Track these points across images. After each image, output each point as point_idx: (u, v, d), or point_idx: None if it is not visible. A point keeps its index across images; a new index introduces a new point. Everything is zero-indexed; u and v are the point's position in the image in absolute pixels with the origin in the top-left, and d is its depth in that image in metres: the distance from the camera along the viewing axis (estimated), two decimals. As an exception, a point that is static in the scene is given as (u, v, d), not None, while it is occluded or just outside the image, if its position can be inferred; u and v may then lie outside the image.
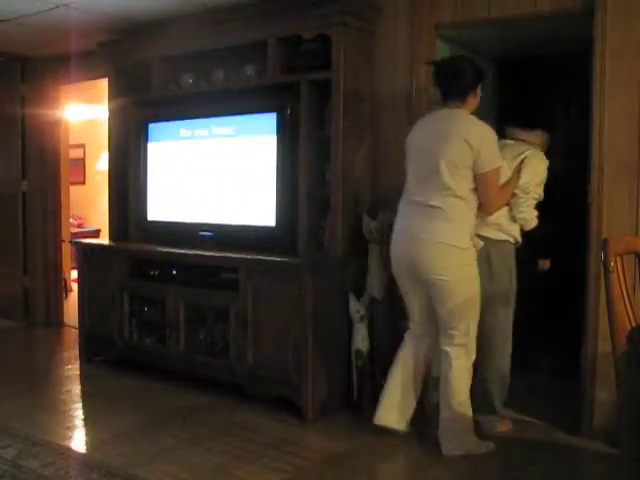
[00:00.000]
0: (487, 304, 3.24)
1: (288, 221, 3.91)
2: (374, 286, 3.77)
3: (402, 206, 3.23)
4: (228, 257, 3.96)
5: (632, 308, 2.36)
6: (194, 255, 4.14)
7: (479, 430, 3.31)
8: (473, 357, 3.17)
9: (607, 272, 2.31)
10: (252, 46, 4.01)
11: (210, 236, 4.26)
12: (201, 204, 4.35)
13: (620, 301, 2.31)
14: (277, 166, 3.93)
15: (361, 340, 3.73)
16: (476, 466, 3.13)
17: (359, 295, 3.76)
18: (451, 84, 3.13)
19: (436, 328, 3.21)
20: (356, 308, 3.71)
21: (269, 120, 3.96)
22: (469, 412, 3.18)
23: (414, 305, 3.27)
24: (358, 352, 3.73)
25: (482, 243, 3.17)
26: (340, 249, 3.75)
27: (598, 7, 3.20)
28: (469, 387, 3.19)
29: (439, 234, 3.02)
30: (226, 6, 4.05)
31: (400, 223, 3.20)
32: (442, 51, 3.90)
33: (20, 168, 5.93)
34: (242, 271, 3.83)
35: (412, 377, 3.31)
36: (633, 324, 2.32)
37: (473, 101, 3.16)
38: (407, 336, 3.34)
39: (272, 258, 3.79)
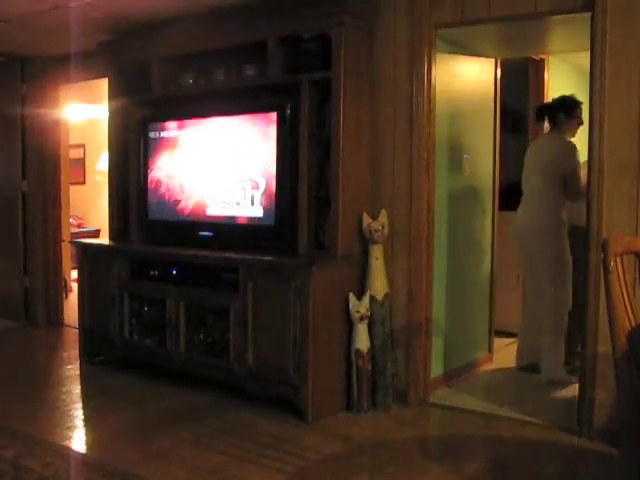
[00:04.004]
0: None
1: (288, 221, 3.91)
2: (374, 286, 3.78)
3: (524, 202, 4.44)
4: (228, 257, 3.96)
5: (632, 308, 2.36)
6: (194, 255, 4.14)
7: None
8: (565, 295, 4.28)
9: (607, 272, 2.31)
10: (252, 46, 4.01)
11: (210, 236, 4.26)
12: (201, 204, 4.35)
13: (620, 301, 2.31)
14: (277, 166, 3.93)
15: (361, 340, 3.73)
16: (476, 466, 3.13)
17: (359, 295, 3.76)
18: (551, 119, 4.38)
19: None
20: (356, 308, 3.71)
21: (269, 120, 3.96)
22: (562, 343, 4.25)
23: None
24: (358, 352, 3.73)
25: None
26: (340, 249, 3.75)
27: (598, 7, 3.20)
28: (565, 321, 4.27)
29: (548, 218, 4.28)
30: (226, 6, 4.05)
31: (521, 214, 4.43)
32: (442, 51, 3.90)
33: (20, 168, 5.92)
34: (242, 271, 3.83)
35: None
36: (633, 324, 2.32)
37: (566, 127, 4.29)
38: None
39: (272, 258, 3.78)
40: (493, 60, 4.62)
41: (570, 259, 4.26)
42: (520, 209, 4.41)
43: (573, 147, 4.24)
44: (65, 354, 5.11)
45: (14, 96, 5.87)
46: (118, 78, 4.77)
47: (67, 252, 6.36)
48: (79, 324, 4.83)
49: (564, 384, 4.17)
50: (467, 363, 4.48)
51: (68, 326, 5.88)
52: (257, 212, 4.05)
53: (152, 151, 4.61)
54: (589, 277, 3.33)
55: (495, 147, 4.67)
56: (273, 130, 3.94)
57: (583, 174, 3.93)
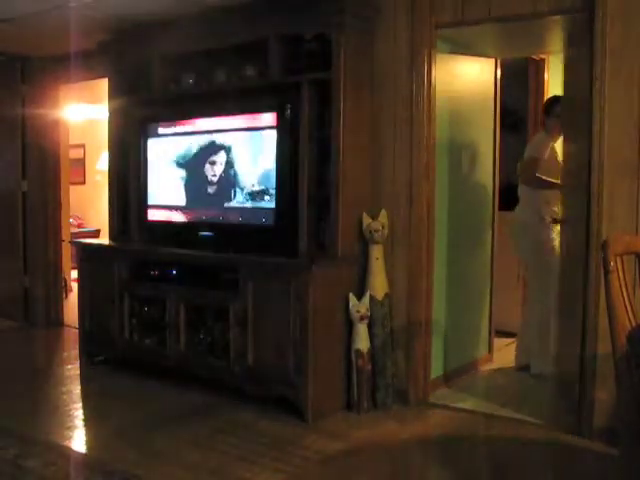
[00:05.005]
0: None
1: (288, 221, 3.91)
2: (374, 286, 3.78)
3: None
4: (228, 257, 3.96)
5: (632, 308, 2.35)
6: (194, 255, 4.14)
7: None
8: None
9: (607, 272, 2.31)
10: (253, 46, 4.01)
11: (210, 236, 4.26)
12: (201, 204, 4.35)
13: (620, 301, 2.31)
14: (277, 166, 3.93)
15: (361, 340, 3.73)
16: (476, 466, 3.13)
17: (359, 295, 3.76)
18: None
19: None
20: (356, 308, 3.71)
21: (269, 120, 3.96)
22: (549, 338, 4.19)
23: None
24: (358, 352, 3.73)
25: None
26: (340, 249, 3.75)
27: (598, 7, 3.20)
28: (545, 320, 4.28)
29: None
30: (226, 6, 4.05)
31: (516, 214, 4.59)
32: (442, 51, 3.90)
33: (20, 168, 5.92)
34: (242, 271, 3.83)
35: None
36: (633, 324, 2.31)
37: (549, 126, 4.39)
38: None
39: (272, 258, 3.79)
40: (493, 60, 4.62)
41: (554, 255, 4.27)
42: (516, 209, 4.54)
43: (538, 140, 4.41)
44: (65, 354, 5.11)
45: (14, 96, 5.87)
46: (118, 78, 4.77)
47: (67, 252, 6.36)
48: (79, 324, 4.83)
49: (552, 379, 4.16)
50: (467, 363, 4.49)
51: (68, 326, 5.88)
52: (257, 212, 4.05)
53: (152, 151, 4.61)
54: (589, 277, 3.32)
55: (495, 147, 4.67)
56: (273, 130, 3.94)
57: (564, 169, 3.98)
